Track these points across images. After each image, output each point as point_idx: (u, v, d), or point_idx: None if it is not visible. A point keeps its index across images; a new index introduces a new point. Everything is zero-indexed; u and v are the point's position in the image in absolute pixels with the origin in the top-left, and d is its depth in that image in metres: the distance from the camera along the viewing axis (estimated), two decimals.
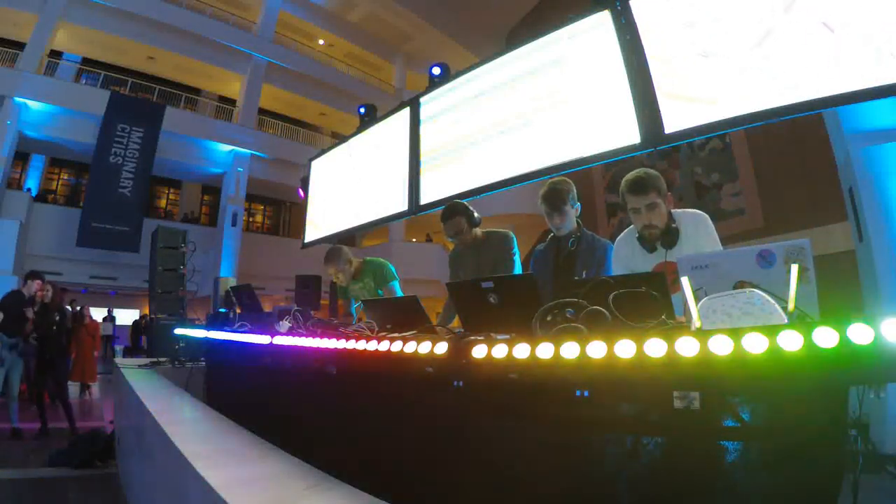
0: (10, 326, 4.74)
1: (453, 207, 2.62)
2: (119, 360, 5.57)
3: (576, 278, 2.00)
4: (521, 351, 1.08)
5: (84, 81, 13.53)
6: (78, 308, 8.44)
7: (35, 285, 4.97)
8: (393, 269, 3.25)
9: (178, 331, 4.26)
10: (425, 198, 4.13)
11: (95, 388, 7.93)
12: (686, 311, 1.02)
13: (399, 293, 3.18)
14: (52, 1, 11.73)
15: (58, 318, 5.19)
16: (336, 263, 3.18)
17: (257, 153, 14.78)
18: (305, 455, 1.62)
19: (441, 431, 1.38)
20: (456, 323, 2.11)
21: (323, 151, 5.96)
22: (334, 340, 1.64)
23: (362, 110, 5.15)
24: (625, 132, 2.86)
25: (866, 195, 4.12)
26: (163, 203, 16.32)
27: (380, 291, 3.20)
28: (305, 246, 5.98)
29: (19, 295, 4.96)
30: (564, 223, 2.22)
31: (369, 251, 14.78)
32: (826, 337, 0.80)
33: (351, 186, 5.17)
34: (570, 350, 1.01)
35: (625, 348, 0.95)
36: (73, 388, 7.80)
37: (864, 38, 2.12)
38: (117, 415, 4.52)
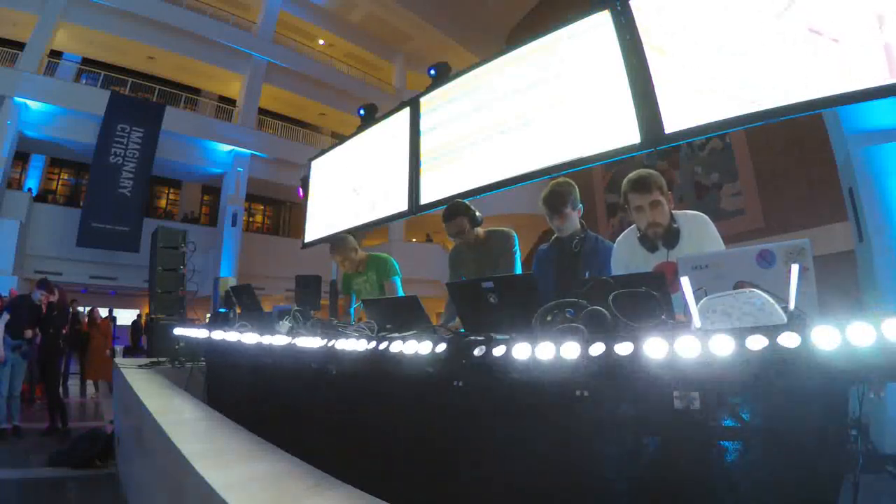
0: (16, 329, 4.90)
1: (455, 207, 2.61)
2: (119, 360, 5.57)
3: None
4: (521, 351, 1.08)
5: (84, 81, 13.50)
6: (82, 309, 8.47)
7: (41, 296, 5.10)
8: (396, 265, 3.27)
9: (178, 331, 4.26)
10: (425, 198, 4.12)
11: (99, 387, 8.01)
12: (686, 311, 1.02)
13: (400, 290, 3.20)
14: (52, 1, 11.72)
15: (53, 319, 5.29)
16: (342, 251, 3.26)
17: (257, 153, 14.77)
18: (305, 455, 1.62)
19: (441, 432, 1.38)
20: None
21: (323, 151, 5.95)
22: (334, 340, 1.64)
23: (362, 112, 5.14)
24: (625, 132, 2.85)
25: (866, 195, 4.11)
26: (163, 203, 16.29)
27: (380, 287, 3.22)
28: (305, 246, 5.97)
29: (28, 299, 5.11)
30: (565, 225, 2.21)
31: (369, 251, 14.73)
32: (826, 337, 0.80)
33: (351, 186, 5.16)
34: (570, 350, 1.01)
35: (625, 348, 0.95)
36: (84, 385, 8.04)
37: (865, 39, 2.11)
38: (117, 415, 4.52)
